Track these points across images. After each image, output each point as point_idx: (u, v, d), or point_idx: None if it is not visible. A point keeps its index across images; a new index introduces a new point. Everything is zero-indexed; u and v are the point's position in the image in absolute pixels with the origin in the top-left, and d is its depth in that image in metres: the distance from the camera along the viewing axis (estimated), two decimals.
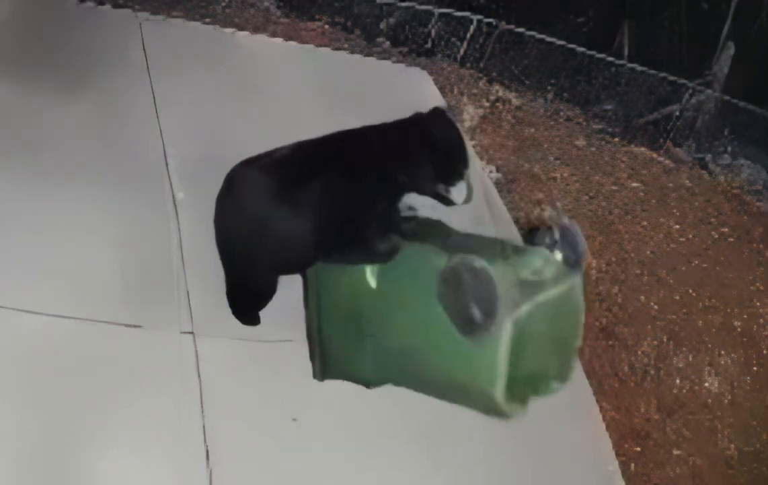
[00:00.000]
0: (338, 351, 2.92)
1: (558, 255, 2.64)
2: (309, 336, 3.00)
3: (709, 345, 4.55)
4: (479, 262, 2.50)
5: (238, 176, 2.84)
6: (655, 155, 6.03)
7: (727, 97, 6.60)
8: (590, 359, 4.10)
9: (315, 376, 2.99)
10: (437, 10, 6.14)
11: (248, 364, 3.03)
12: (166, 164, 3.62)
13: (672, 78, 6.50)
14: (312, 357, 2.99)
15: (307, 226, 2.72)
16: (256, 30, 5.16)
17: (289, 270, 2.95)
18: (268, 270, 2.91)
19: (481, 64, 6.10)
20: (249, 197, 2.79)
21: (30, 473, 2.51)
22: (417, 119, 2.85)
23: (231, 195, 2.84)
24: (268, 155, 2.86)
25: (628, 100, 6.45)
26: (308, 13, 5.73)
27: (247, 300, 3.05)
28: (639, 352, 4.34)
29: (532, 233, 2.79)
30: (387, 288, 2.74)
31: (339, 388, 2.94)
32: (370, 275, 2.74)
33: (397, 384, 2.81)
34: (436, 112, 2.91)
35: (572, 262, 2.65)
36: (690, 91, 6.51)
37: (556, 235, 2.66)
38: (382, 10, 6.09)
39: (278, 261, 2.85)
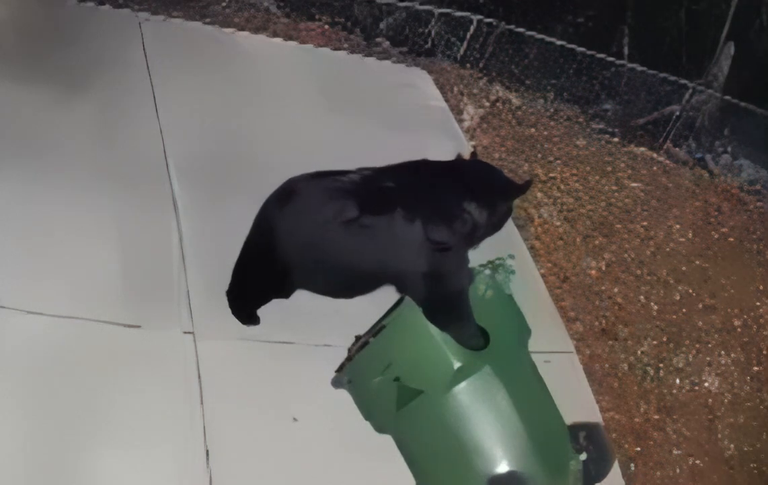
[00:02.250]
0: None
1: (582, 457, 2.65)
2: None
3: (709, 345, 4.55)
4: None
5: (300, 189, 2.76)
6: (655, 155, 6.03)
7: (727, 97, 6.59)
8: (590, 359, 4.10)
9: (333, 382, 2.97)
10: (437, 10, 6.12)
11: (248, 364, 3.03)
12: (166, 164, 3.63)
13: (672, 78, 6.48)
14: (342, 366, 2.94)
15: (376, 254, 2.66)
16: (256, 30, 5.15)
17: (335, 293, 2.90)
18: (309, 286, 2.86)
19: (481, 64, 6.09)
20: (313, 213, 2.70)
21: (30, 472, 2.51)
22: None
23: (289, 206, 2.75)
24: (334, 177, 2.77)
25: (628, 100, 6.44)
26: (308, 13, 5.71)
27: (249, 300, 3.05)
28: (639, 352, 4.33)
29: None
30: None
31: (339, 389, 2.95)
32: (454, 356, 2.62)
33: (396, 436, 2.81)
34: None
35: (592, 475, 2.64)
36: (690, 91, 6.50)
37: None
38: (382, 10, 6.08)
39: (332, 283, 2.82)
